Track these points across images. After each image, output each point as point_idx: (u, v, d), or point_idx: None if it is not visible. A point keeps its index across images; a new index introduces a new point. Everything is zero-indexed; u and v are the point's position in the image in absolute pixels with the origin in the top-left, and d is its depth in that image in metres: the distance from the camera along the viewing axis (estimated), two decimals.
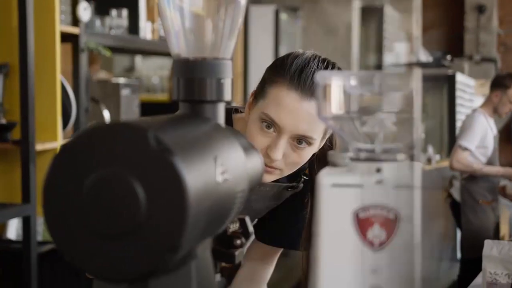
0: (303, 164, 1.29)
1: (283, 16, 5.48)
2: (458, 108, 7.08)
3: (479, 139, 4.22)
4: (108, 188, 0.61)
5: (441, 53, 6.69)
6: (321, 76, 0.72)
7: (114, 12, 3.00)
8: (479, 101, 8.37)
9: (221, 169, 0.71)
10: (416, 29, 5.53)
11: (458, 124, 7.22)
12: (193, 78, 0.81)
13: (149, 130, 0.62)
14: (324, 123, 1.27)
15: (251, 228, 0.88)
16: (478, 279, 2.14)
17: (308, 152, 1.27)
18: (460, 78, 7.05)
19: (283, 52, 6.24)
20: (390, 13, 7.45)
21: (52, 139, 2.50)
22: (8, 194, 2.46)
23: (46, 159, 2.49)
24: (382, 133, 0.72)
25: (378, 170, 0.70)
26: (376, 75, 0.71)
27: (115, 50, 3.16)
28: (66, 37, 2.64)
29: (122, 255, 0.62)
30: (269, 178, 1.29)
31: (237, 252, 0.84)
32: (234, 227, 0.88)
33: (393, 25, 7.72)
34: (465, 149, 4.18)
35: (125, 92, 3.02)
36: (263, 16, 5.32)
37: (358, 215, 0.69)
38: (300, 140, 1.24)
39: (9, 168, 2.49)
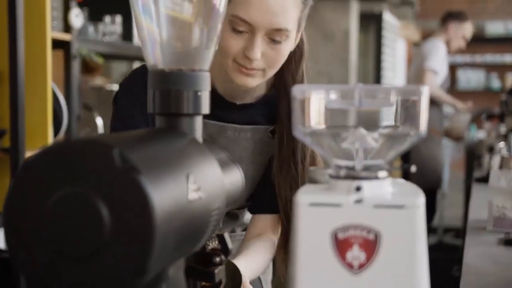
0: (283, 61, 1.25)
1: None
2: (383, 48, 7.16)
3: (440, 64, 4.31)
4: (71, 207, 0.59)
5: None
6: (298, 89, 0.69)
7: (107, 18, 2.98)
8: (401, 43, 8.50)
9: (194, 187, 0.68)
10: None
11: (384, 64, 7.31)
12: (169, 90, 0.78)
13: (114, 147, 0.59)
14: (297, 32, 1.26)
15: (230, 245, 0.85)
16: (482, 215, 1.94)
17: (286, 47, 1.23)
18: (387, 17, 7.09)
19: None
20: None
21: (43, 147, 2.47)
22: None
23: None
24: (363, 149, 0.70)
25: (358, 189, 0.68)
26: (356, 89, 0.68)
27: (108, 56, 3.13)
28: (58, 44, 2.61)
29: (86, 278, 0.59)
30: (253, 82, 1.25)
31: (216, 270, 0.81)
32: (213, 244, 0.85)
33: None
34: (435, 72, 4.23)
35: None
36: None
37: (336, 235, 0.66)
38: (275, 35, 1.20)
39: None
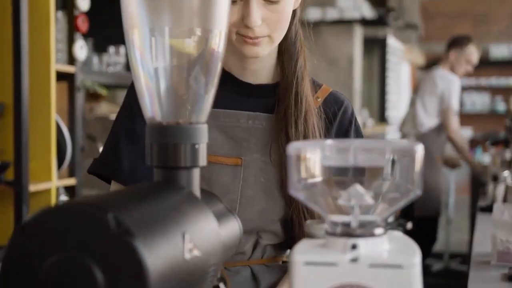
0: (288, 21, 1.18)
1: None
2: (387, 72, 7.18)
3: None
4: (65, 272, 0.59)
5: (384, 9, 6.67)
6: (293, 147, 0.69)
7: (111, 49, 3.00)
8: (405, 66, 8.54)
9: (190, 246, 0.68)
10: None
11: (388, 89, 7.32)
12: (167, 144, 0.78)
13: (109, 211, 0.59)
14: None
15: None
16: (486, 247, 1.91)
17: (285, 6, 1.16)
18: (391, 41, 7.11)
19: None
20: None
21: (47, 180, 2.47)
22: (0, 236, 2.43)
23: (40, 200, 2.46)
24: (358, 206, 0.69)
25: (354, 247, 0.67)
26: (351, 147, 0.68)
27: (113, 86, 3.15)
28: (62, 76, 2.63)
29: None
30: (262, 51, 1.18)
31: None
32: None
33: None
34: (455, 112, 4.28)
35: None
36: None
37: None
38: None
39: (2, 209, 2.46)
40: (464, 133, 10.17)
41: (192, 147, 0.79)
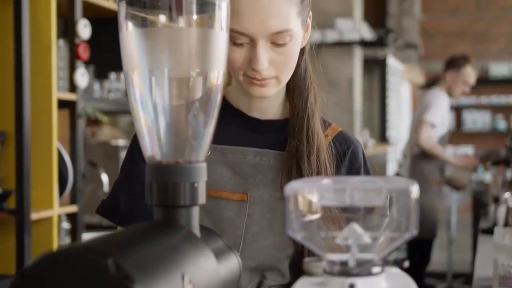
0: (295, 62, 1.17)
1: None
2: (388, 92, 7.19)
3: (440, 117, 4.30)
4: None
5: (383, 31, 6.68)
6: (291, 188, 0.70)
7: (113, 75, 3.02)
8: (406, 86, 8.56)
9: (190, 286, 0.68)
10: (357, 5, 5.49)
11: (389, 109, 7.33)
12: (167, 183, 0.79)
13: (108, 256, 0.60)
14: (304, 27, 1.17)
15: None
16: (488, 271, 1.89)
17: (293, 48, 1.15)
18: (391, 61, 7.13)
19: None
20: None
21: (48, 207, 2.48)
22: (2, 265, 2.43)
23: (42, 228, 2.46)
24: (356, 245, 0.70)
25: (352, 286, 0.68)
26: (347, 187, 0.69)
27: (114, 112, 3.17)
28: (64, 103, 2.64)
29: None
30: (269, 91, 1.17)
31: None
32: None
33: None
34: (433, 125, 4.23)
35: (124, 154, 3.00)
36: None
37: None
38: (278, 39, 1.12)
39: (4, 237, 2.46)
40: (465, 151, 10.19)
41: (191, 186, 0.80)
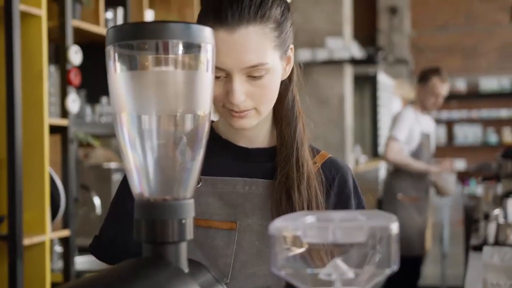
0: (274, 93, 1.18)
1: None
2: (379, 108, 7.23)
3: (407, 132, 4.29)
4: None
5: (373, 49, 6.72)
6: (274, 227, 0.73)
7: (104, 99, 3.04)
8: (397, 101, 8.62)
9: None
10: (347, 24, 5.53)
11: (380, 124, 7.37)
12: (155, 220, 0.81)
13: None
14: (284, 60, 1.19)
15: None
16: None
17: (270, 80, 1.16)
18: (381, 78, 7.18)
19: None
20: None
21: (41, 233, 2.49)
22: None
23: (34, 253, 2.47)
24: (340, 280, 0.72)
25: None
26: (330, 225, 0.71)
27: (106, 136, 3.19)
28: (55, 129, 2.66)
29: None
30: (249, 123, 1.19)
31: None
32: None
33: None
34: (396, 139, 4.24)
35: (116, 177, 3.03)
36: None
37: None
38: (253, 72, 1.13)
39: None
40: (457, 165, 10.24)
41: (179, 223, 0.82)
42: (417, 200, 4.35)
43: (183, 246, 0.83)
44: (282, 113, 1.27)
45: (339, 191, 1.29)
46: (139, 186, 0.84)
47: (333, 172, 1.30)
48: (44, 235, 2.50)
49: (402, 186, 4.32)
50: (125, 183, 1.27)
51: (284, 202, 1.22)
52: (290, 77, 1.28)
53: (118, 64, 0.81)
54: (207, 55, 0.83)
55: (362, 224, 0.72)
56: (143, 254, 0.82)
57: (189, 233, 0.83)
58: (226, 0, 1.13)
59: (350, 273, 0.73)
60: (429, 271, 6.73)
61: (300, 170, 1.24)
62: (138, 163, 0.83)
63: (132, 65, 0.83)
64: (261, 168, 1.27)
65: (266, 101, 1.18)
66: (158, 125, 0.82)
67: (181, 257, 0.82)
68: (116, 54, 0.81)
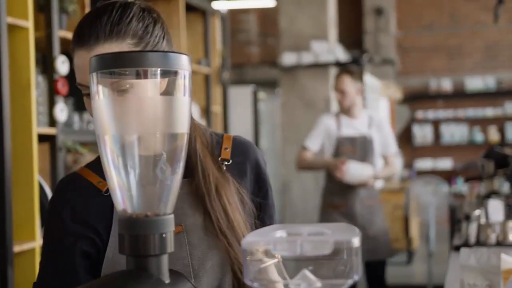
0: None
1: (261, 95, 5.61)
2: (365, 110, 7.29)
3: (320, 140, 4.15)
4: None
5: (358, 52, 6.77)
6: (247, 242, 0.79)
7: None
8: (384, 102, 8.71)
9: None
10: (331, 28, 5.56)
11: None
12: (137, 235, 0.87)
13: None
14: None
15: None
16: None
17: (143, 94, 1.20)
18: (367, 79, 7.27)
19: (263, 129, 6.42)
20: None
21: (31, 239, 2.54)
22: None
23: (24, 260, 2.52)
24: None
25: None
26: (298, 240, 0.78)
27: (94, 143, 3.24)
28: (44, 137, 2.71)
29: None
30: None
31: None
32: None
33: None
34: (306, 149, 4.13)
35: None
36: (242, 96, 5.49)
37: None
38: (119, 87, 1.14)
39: None
40: (444, 164, 10.36)
41: (160, 237, 0.88)
42: (344, 208, 4.13)
43: (164, 259, 0.89)
44: None
45: (255, 168, 1.36)
46: (122, 202, 0.90)
47: (243, 153, 1.36)
48: (34, 241, 2.55)
49: (327, 195, 4.17)
50: (57, 213, 1.27)
51: (205, 205, 1.27)
52: None
53: (100, 90, 0.87)
54: (184, 80, 0.89)
55: (327, 238, 0.78)
56: (127, 267, 0.89)
57: (170, 246, 0.89)
58: (86, 22, 1.20)
59: (317, 283, 0.79)
60: (416, 269, 6.82)
61: (207, 182, 1.27)
62: (121, 181, 0.89)
63: (114, 91, 0.89)
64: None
65: None
66: (139, 146, 0.88)
67: (163, 269, 0.88)
68: (99, 81, 0.87)
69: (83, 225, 1.24)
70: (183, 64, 0.89)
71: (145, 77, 0.87)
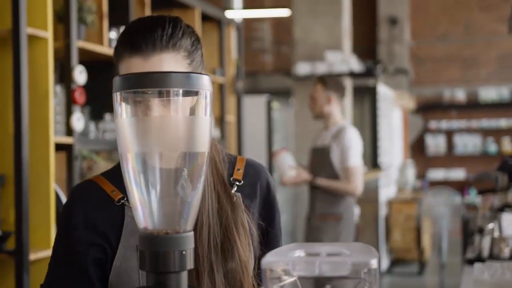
0: None
1: (275, 104, 5.63)
2: (379, 119, 7.29)
3: None
4: None
5: (371, 62, 6.77)
6: (266, 262, 0.80)
7: (108, 116, 3.13)
8: (397, 111, 8.68)
9: None
10: (346, 38, 5.56)
11: (380, 135, 7.42)
12: (158, 252, 0.89)
13: None
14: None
15: None
16: None
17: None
18: (381, 89, 7.25)
19: (277, 138, 6.43)
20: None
21: (47, 248, 2.57)
22: None
23: (40, 269, 2.54)
24: None
25: None
26: (316, 261, 0.79)
27: (110, 151, 3.27)
28: (61, 146, 2.74)
29: None
30: None
31: None
32: None
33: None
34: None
35: None
36: (256, 105, 5.50)
37: None
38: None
39: (3, 278, 2.54)
40: (457, 175, 10.32)
41: (180, 254, 0.90)
42: (334, 220, 4.00)
43: (184, 275, 0.91)
44: None
45: (265, 193, 1.37)
46: (144, 220, 0.92)
47: (255, 175, 1.37)
48: (50, 249, 2.58)
49: (317, 206, 4.03)
50: (68, 220, 1.28)
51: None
52: None
53: (124, 110, 0.89)
54: (205, 100, 0.91)
55: (346, 259, 0.79)
56: (147, 283, 0.90)
57: (190, 263, 0.91)
58: (140, 31, 1.22)
59: None
60: (428, 280, 6.80)
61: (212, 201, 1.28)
62: (142, 199, 0.91)
63: (137, 110, 0.91)
64: None
65: None
66: (161, 164, 0.90)
67: (182, 286, 0.90)
68: (122, 100, 0.89)
69: (94, 232, 1.26)
70: (205, 84, 0.91)
71: (168, 97, 0.89)
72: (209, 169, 1.30)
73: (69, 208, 1.30)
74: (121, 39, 1.24)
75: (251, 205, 1.33)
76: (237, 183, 1.33)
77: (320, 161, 4.05)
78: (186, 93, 0.90)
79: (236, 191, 1.31)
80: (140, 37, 1.21)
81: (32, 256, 2.49)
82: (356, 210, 4.22)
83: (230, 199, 1.30)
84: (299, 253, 0.83)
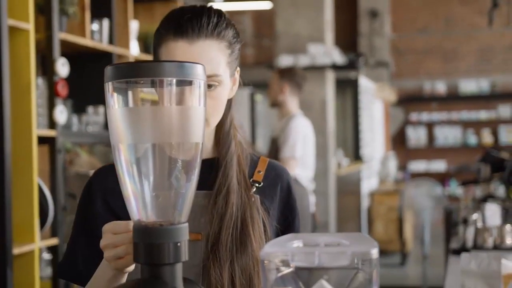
0: (223, 107, 1.25)
1: (258, 97, 5.62)
2: (360, 112, 7.35)
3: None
4: None
5: (354, 55, 6.81)
6: (265, 253, 0.79)
7: (90, 109, 3.09)
8: (378, 104, 8.72)
9: None
10: (328, 30, 5.58)
11: (362, 127, 7.47)
12: (152, 244, 0.88)
13: None
14: (232, 79, 1.26)
15: None
16: None
17: (221, 93, 1.23)
18: (362, 81, 7.30)
19: (259, 131, 6.43)
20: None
21: (30, 241, 2.54)
22: None
23: (23, 262, 2.51)
24: None
25: None
26: (316, 251, 0.78)
27: (92, 144, 3.24)
28: (43, 139, 2.71)
29: None
30: None
31: None
32: None
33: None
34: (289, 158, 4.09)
35: None
36: (238, 98, 5.48)
37: None
38: (208, 81, 1.17)
39: None
40: (438, 166, 10.39)
41: (174, 246, 0.88)
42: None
43: (179, 267, 0.89)
44: (220, 133, 1.32)
45: (285, 196, 1.36)
46: (137, 211, 0.90)
47: (276, 177, 1.37)
48: (33, 243, 2.55)
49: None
50: (88, 194, 1.30)
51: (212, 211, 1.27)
52: (230, 100, 1.33)
53: (115, 100, 0.88)
54: (199, 90, 0.89)
55: (345, 250, 0.78)
56: (141, 275, 0.89)
57: (184, 255, 0.89)
58: (186, 16, 1.22)
59: None
60: (411, 271, 6.84)
61: (222, 187, 1.28)
62: (135, 190, 0.90)
63: (129, 100, 0.89)
64: (202, 179, 1.31)
65: (216, 112, 1.24)
66: (154, 155, 0.88)
67: (177, 277, 0.89)
68: (114, 91, 0.87)
69: (112, 213, 1.26)
70: (198, 73, 0.89)
71: (161, 86, 0.87)
72: (235, 165, 1.30)
73: (90, 187, 1.31)
74: (165, 23, 1.24)
75: (270, 207, 1.33)
76: (257, 184, 1.32)
77: (273, 151, 4.11)
78: (179, 83, 0.88)
79: (256, 192, 1.31)
80: (187, 21, 1.21)
81: (16, 250, 2.46)
82: (312, 199, 4.19)
83: (249, 197, 1.29)
84: (297, 243, 0.82)
